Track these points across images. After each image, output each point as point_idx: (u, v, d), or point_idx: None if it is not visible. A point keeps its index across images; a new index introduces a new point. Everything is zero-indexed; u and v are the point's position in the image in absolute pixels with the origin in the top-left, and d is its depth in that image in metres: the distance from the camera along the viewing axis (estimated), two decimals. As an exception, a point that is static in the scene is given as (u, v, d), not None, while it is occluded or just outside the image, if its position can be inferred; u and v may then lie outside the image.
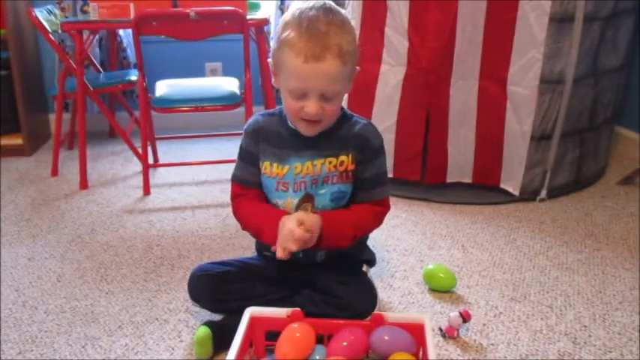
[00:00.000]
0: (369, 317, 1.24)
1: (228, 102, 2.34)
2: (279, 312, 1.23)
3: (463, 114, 2.13)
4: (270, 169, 1.34)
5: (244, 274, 1.40)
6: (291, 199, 1.33)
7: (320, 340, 1.21)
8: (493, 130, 2.13)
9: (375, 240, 1.41)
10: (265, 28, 2.61)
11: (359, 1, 2.15)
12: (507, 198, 2.18)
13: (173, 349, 1.37)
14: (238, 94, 2.39)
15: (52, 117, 3.00)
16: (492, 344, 1.37)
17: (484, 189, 2.22)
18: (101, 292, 1.62)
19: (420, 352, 1.20)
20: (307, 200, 1.33)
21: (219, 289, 1.37)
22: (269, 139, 1.35)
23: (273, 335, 1.21)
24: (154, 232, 2.01)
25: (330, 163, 1.32)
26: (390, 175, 2.20)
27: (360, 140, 1.32)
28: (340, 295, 1.30)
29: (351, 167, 1.33)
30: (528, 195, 2.17)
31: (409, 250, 1.84)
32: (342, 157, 1.32)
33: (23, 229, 2.04)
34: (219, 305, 1.39)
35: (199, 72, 3.20)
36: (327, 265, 1.40)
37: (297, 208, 1.32)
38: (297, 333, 1.19)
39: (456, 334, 1.39)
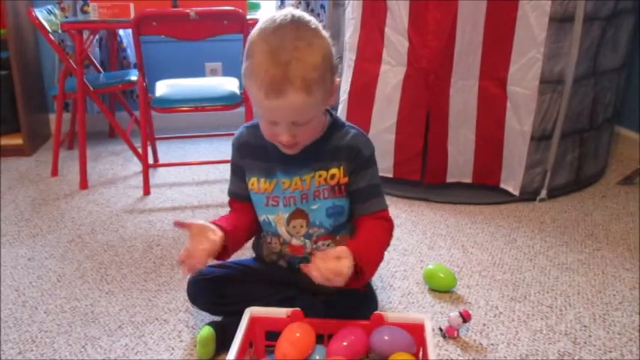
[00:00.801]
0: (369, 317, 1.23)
1: (228, 102, 2.34)
2: (279, 312, 1.23)
3: (463, 114, 2.13)
4: (257, 184, 1.31)
5: (243, 277, 1.40)
6: (282, 214, 1.31)
7: (320, 340, 1.21)
8: (493, 130, 2.13)
9: (375, 240, 1.42)
10: (265, 28, 2.61)
11: (359, 1, 2.15)
12: (507, 198, 2.18)
13: (173, 349, 1.37)
14: (238, 94, 2.39)
15: (52, 117, 3.00)
16: (492, 344, 1.37)
17: (484, 189, 2.22)
18: (101, 292, 1.62)
19: (420, 352, 1.20)
20: (298, 216, 1.30)
21: (218, 293, 1.36)
22: (254, 154, 1.32)
23: (273, 335, 1.21)
24: (154, 232, 2.01)
25: (320, 176, 1.28)
26: (390, 175, 2.21)
27: (351, 151, 1.27)
28: (341, 304, 1.29)
29: (344, 180, 1.28)
30: (528, 195, 2.17)
31: (409, 250, 1.84)
32: (333, 170, 1.27)
33: (23, 229, 2.04)
34: (217, 308, 1.39)
35: (199, 72, 3.20)
36: None
37: (288, 223, 1.31)
38: (297, 333, 1.19)
39: (456, 334, 1.39)
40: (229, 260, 1.48)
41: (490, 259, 1.78)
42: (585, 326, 1.44)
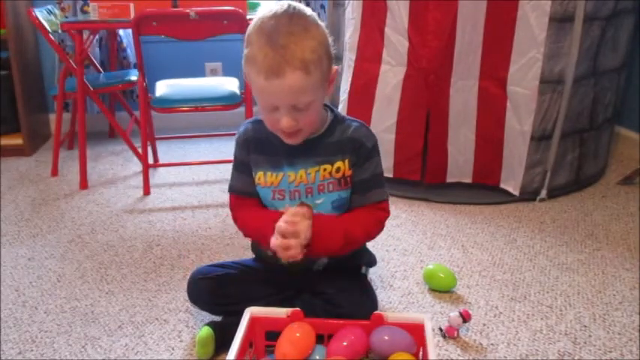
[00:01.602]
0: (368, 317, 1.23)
1: (228, 102, 2.34)
2: (279, 312, 1.23)
3: (463, 114, 2.13)
4: (264, 178, 1.31)
5: (243, 277, 1.40)
6: (289, 208, 1.30)
7: (320, 340, 1.21)
8: (493, 130, 2.13)
9: (375, 240, 1.41)
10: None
11: (359, 1, 2.15)
12: (507, 198, 2.18)
13: (173, 349, 1.37)
14: (238, 94, 2.39)
15: (52, 117, 3.00)
16: (492, 344, 1.37)
17: (484, 189, 2.22)
18: (101, 292, 1.62)
19: (420, 352, 1.20)
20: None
21: (218, 293, 1.36)
22: (260, 148, 1.32)
23: (273, 335, 1.21)
24: (154, 232, 2.01)
25: (325, 170, 1.29)
26: (390, 175, 2.20)
27: (354, 144, 1.29)
28: (341, 304, 1.30)
29: (349, 173, 1.30)
30: (528, 195, 2.17)
31: (409, 250, 1.84)
32: (338, 164, 1.29)
33: (23, 229, 2.04)
34: (218, 308, 1.39)
35: (199, 72, 3.20)
36: (326, 269, 1.39)
37: None
38: (297, 333, 1.19)
39: (456, 334, 1.39)
40: (229, 260, 1.48)
41: (490, 259, 1.78)
42: (585, 326, 1.44)
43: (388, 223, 1.35)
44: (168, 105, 2.32)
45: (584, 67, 2.06)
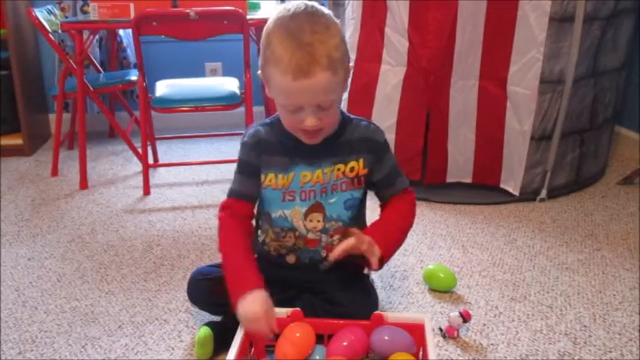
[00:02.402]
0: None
1: (228, 102, 2.34)
2: (279, 312, 1.23)
3: (463, 114, 2.13)
4: (275, 180, 1.29)
5: None
6: (299, 208, 1.30)
7: (320, 340, 1.21)
8: (493, 130, 2.13)
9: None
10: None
11: (359, 1, 2.15)
12: (507, 198, 2.18)
13: (173, 349, 1.37)
14: (238, 94, 2.39)
15: (52, 117, 3.00)
16: (492, 344, 1.37)
17: (484, 189, 2.22)
18: (101, 292, 1.62)
19: (420, 352, 1.20)
20: (316, 210, 1.30)
21: (218, 293, 1.35)
22: (272, 150, 1.29)
23: (272, 335, 1.21)
24: (154, 232, 2.01)
25: (339, 170, 1.29)
26: (390, 175, 2.21)
27: (368, 143, 1.30)
28: (342, 303, 1.29)
29: (363, 172, 1.30)
30: (528, 195, 2.17)
31: (409, 250, 1.84)
32: (352, 163, 1.29)
33: (23, 229, 2.04)
34: (218, 308, 1.38)
35: (199, 72, 3.20)
36: (328, 269, 1.39)
37: (306, 217, 1.30)
38: (297, 333, 1.19)
39: (456, 334, 1.39)
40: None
41: (490, 259, 1.78)
42: (585, 326, 1.44)
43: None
44: (168, 105, 2.32)
45: (584, 67, 2.06)
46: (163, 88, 2.48)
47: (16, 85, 2.74)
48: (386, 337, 1.18)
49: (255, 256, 1.48)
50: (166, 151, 2.85)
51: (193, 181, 2.50)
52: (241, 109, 2.39)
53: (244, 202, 1.33)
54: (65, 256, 1.84)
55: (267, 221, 1.34)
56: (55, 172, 2.59)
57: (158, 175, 2.57)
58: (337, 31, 1.16)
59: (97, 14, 2.26)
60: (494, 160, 2.17)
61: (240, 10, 2.17)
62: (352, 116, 1.35)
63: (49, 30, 2.48)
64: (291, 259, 1.37)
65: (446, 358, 1.32)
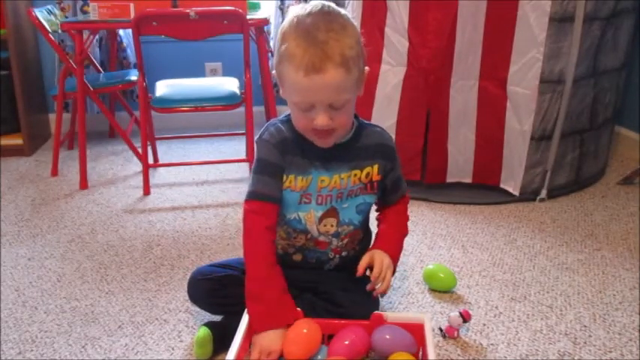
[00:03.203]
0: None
1: (228, 102, 2.34)
2: (279, 312, 1.23)
3: (463, 114, 2.13)
4: (294, 182, 1.27)
5: (243, 277, 1.39)
6: (314, 212, 1.29)
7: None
8: (493, 130, 2.13)
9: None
10: (265, 28, 2.61)
11: (359, 1, 2.15)
12: (507, 198, 2.18)
13: (173, 349, 1.37)
14: (238, 94, 2.39)
15: (52, 117, 3.00)
16: (492, 344, 1.37)
17: (484, 189, 2.22)
18: (101, 292, 1.62)
19: (420, 352, 1.20)
20: (330, 215, 1.30)
21: (219, 294, 1.36)
22: (293, 150, 1.26)
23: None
24: (154, 232, 2.01)
25: (355, 175, 1.29)
26: (390, 175, 2.21)
27: (383, 149, 1.31)
28: (343, 304, 1.29)
29: (377, 178, 1.31)
30: (528, 195, 2.17)
31: (409, 250, 1.84)
32: (367, 169, 1.30)
33: (23, 229, 2.04)
34: (218, 308, 1.39)
35: (199, 72, 3.20)
36: (331, 269, 1.39)
37: (320, 221, 1.30)
38: (304, 329, 1.19)
39: (456, 334, 1.39)
40: (230, 260, 1.48)
41: (490, 259, 1.78)
42: (585, 326, 1.44)
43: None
44: (168, 105, 2.33)
45: (584, 67, 2.06)
46: (163, 88, 2.48)
47: (16, 85, 2.74)
48: (387, 336, 1.18)
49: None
50: (166, 151, 2.85)
51: (193, 181, 2.50)
52: (241, 109, 2.39)
53: (271, 204, 1.26)
54: (65, 256, 1.84)
55: (279, 221, 1.33)
56: (55, 172, 2.59)
57: (158, 175, 2.57)
58: (354, 32, 1.17)
59: (97, 14, 2.26)
60: (494, 160, 2.17)
61: (240, 10, 2.17)
62: (363, 121, 1.35)
63: (49, 30, 2.48)
64: (297, 257, 1.37)
65: (446, 358, 1.32)
